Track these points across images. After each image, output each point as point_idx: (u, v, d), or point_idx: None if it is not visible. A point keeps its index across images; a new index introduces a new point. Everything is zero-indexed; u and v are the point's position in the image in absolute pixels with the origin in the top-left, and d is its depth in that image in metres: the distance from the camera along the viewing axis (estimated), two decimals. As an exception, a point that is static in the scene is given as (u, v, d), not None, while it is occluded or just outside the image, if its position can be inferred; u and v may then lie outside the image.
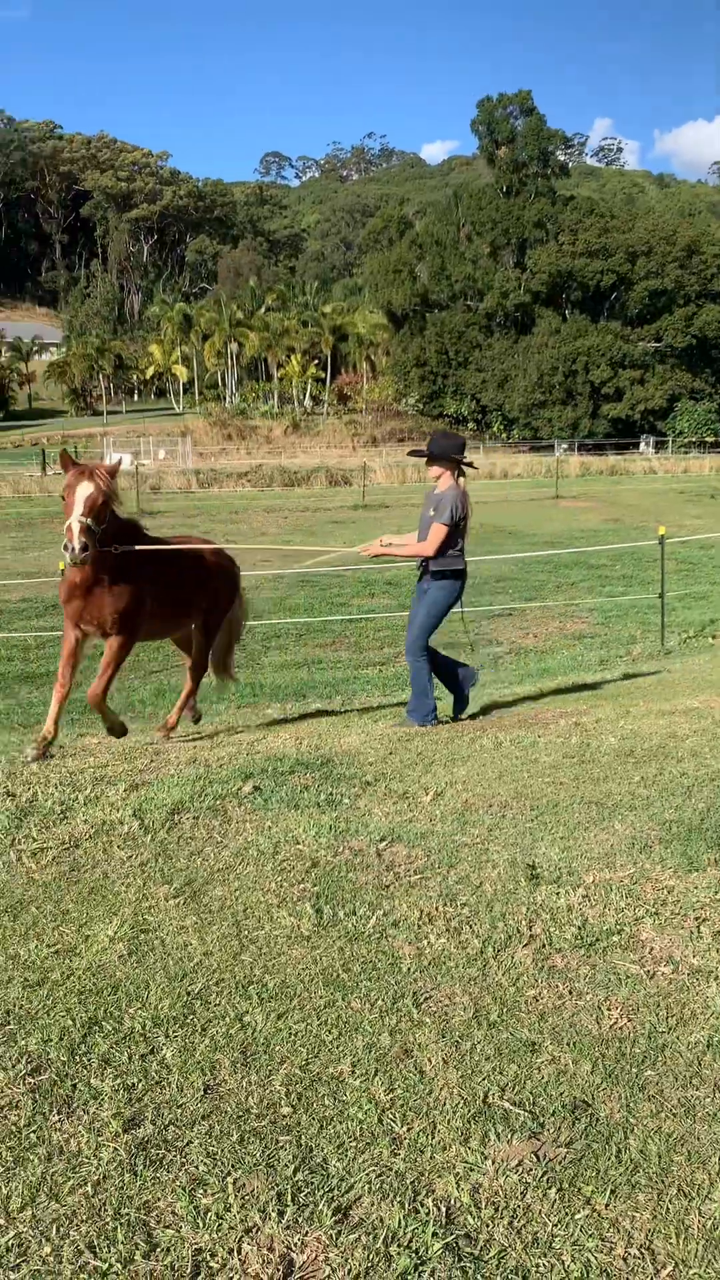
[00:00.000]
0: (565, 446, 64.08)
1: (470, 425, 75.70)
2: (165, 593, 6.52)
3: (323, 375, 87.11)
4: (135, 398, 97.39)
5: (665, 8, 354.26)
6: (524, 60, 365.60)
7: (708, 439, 67.82)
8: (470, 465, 7.04)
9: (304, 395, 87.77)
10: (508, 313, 76.50)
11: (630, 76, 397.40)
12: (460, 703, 7.33)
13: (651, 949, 3.25)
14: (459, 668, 7.32)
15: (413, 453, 7.76)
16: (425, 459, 6.97)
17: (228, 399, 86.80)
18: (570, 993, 2.99)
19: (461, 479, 6.90)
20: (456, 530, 6.75)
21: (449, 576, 6.82)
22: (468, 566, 7.00)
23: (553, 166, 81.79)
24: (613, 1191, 2.16)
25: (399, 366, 78.32)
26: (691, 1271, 1.96)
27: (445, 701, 7.36)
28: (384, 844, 4.16)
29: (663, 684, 8.55)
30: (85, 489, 5.77)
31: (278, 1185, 2.18)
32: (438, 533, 6.67)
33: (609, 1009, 2.90)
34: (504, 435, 73.57)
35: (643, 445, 68.31)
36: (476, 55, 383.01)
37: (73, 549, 5.63)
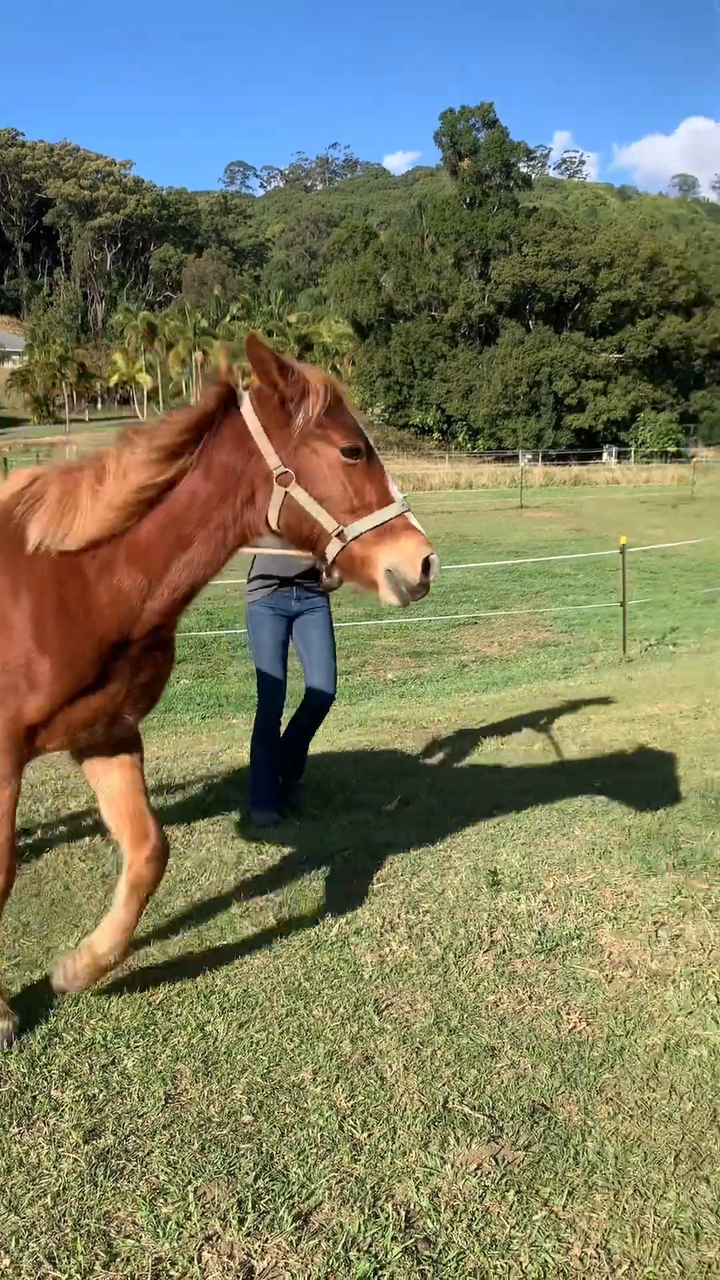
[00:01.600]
0: (529, 457, 64.49)
1: (436, 435, 76.00)
2: None
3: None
4: (99, 406, 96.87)
5: (627, 20, 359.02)
6: (484, 72, 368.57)
7: (669, 449, 68.49)
8: None
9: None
10: (472, 324, 76.94)
11: (589, 88, 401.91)
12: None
13: (610, 954, 3.29)
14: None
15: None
16: None
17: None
18: (530, 998, 3.02)
19: None
20: None
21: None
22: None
23: (515, 178, 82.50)
24: (570, 1193, 2.19)
25: (364, 376, 78.45)
26: (646, 1270, 1.99)
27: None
28: (348, 853, 4.17)
29: (624, 691, 8.62)
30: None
31: (238, 1193, 2.19)
32: None
33: (568, 1013, 2.93)
34: (469, 445, 73.89)
35: (605, 455, 68.87)
36: (437, 67, 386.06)
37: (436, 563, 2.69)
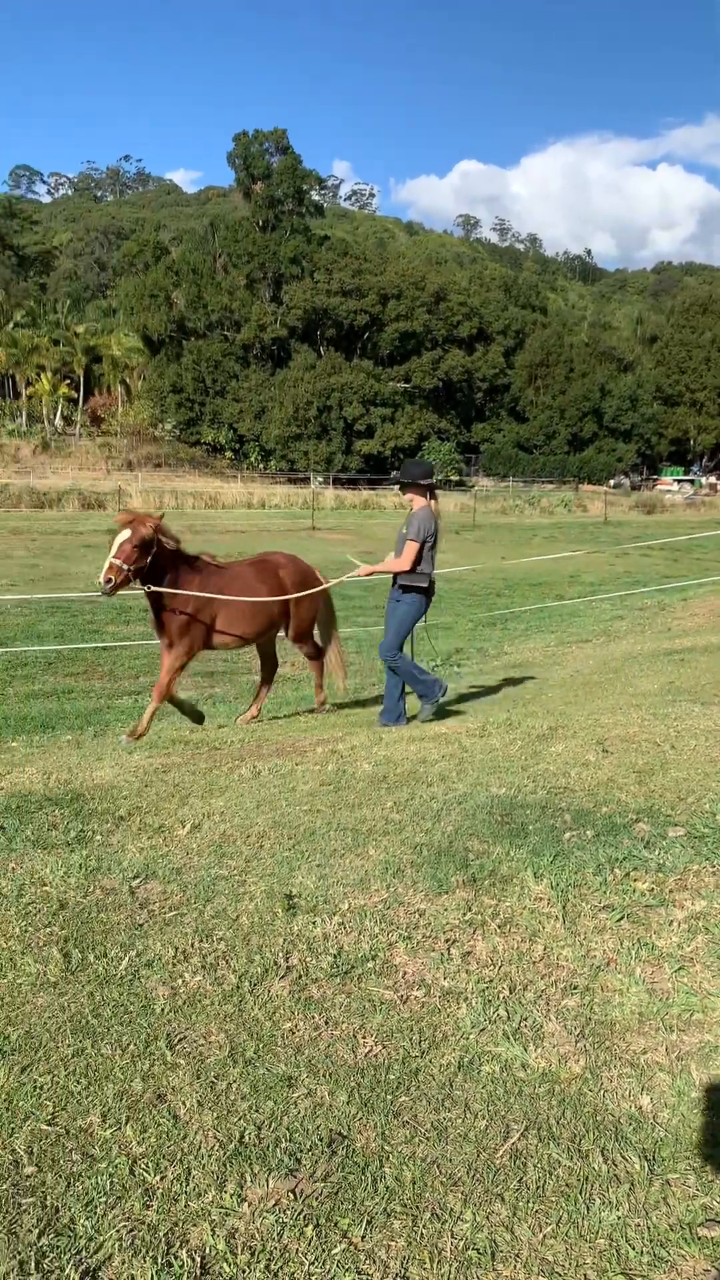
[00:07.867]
0: (320, 479, 65.38)
1: (228, 454, 75.82)
2: None
3: (75, 395, 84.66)
4: None
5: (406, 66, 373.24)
6: (267, 97, 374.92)
7: (452, 478, 71.12)
8: (435, 488, 7.87)
9: (55, 415, 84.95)
10: (264, 345, 77.46)
11: (370, 123, 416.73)
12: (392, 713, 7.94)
13: (404, 973, 3.31)
14: (422, 682, 7.87)
15: (394, 481, 8.74)
16: (400, 487, 7.81)
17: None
18: (326, 1023, 2.99)
19: (433, 501, 7.72)
20: (424, 547, 7.56)
21: (415, 591, 7.67)
22: (434, 581, 7.83)
23: (307, 205, 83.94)
24: (369, 1222, 2.17)
25: (155, 392, 77.40)
26: (445, 1294, 1.99)
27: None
28: (138, 881, 4.03)
29: (411, 711, 8.80)
30: None
31: (20, 1253, 2.04)
32: (410, 549, 7.52)
33: (364, 1037, 2.92)
34: (260, 465, 74.13)
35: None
36: (219, 89, 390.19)
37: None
